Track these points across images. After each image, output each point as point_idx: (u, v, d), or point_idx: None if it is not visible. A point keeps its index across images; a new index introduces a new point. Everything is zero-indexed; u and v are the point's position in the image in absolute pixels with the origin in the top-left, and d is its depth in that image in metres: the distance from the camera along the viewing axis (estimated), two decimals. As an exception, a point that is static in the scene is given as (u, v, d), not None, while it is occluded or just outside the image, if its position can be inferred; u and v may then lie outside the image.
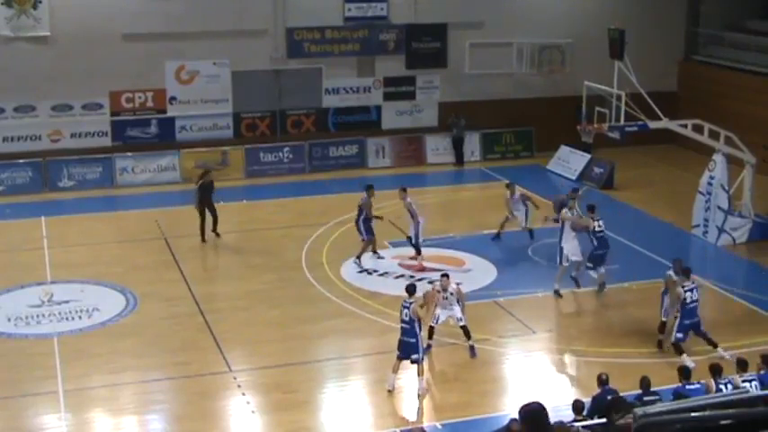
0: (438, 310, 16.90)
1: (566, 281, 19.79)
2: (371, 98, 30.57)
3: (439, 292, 16.89)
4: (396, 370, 15.71)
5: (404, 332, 15.61)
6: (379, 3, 29.98)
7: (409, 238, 21.39)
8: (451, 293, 16.94)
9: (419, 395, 15.56)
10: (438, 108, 31.10)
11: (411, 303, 15.60)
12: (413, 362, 15.56)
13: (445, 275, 17.27)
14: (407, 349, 15.56)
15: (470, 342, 17.09)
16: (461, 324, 16.97)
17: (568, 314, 19.39)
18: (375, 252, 21.66)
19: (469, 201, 27.45)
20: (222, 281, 20.93)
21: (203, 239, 22.90)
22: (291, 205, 26.12)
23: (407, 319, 15.51)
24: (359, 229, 21.34)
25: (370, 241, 21.34)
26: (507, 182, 23.57)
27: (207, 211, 22.90)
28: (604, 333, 18.24)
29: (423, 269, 21.00)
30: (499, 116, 30.92)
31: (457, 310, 16.93)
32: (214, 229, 23.10)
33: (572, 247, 19.51)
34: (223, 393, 15.89)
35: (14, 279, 20.55)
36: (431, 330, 16.95)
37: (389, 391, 15.69)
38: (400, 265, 21.32)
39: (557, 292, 19.65)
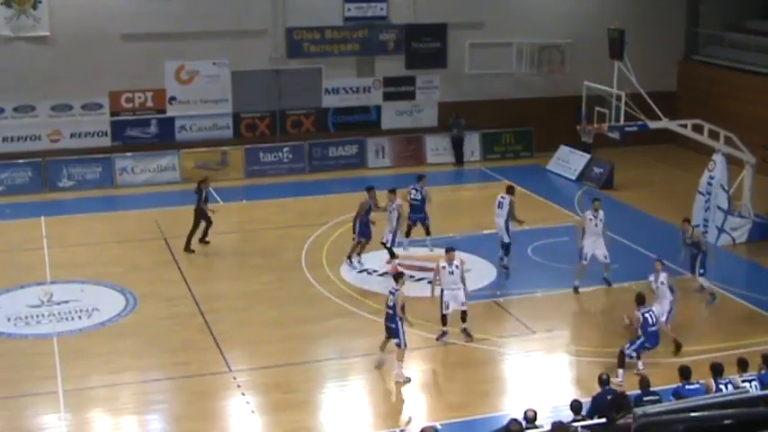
0: (446, 296, 17.26)
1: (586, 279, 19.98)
2: (371, 98, 30.57)
3: (444, 268, 17.25)
4: (383, 348, 16.36)
5: (386, 317, 16.21)
6: (379, 3, 29.98)
7: (385, 244, 21.23)
8: (456, 267, 17.28)
9: (396, 381, 15.99)
10: (438, 108, 31.10)
11: (397, 290, 16.08)
12: (396, 345, 16.08)
13: (451, 249, 17.72)
14: (389, 333, 16.22)
15: (464, 325, 17.49)
16: (463, 308, 17.36)
17: (568, 314, 19.39)
18: (354, 256, 21.22)
19: (469, 201, 27.45)
20: (222, 281, 20.93)
21: (204, 242, 22.66)
22: (291, 205, 26.11)
23: (391, 304, 16.07)
24: (354, 229, 21.23)
25: (359, 243, 21.17)
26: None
27: (203, 219, 22.47)
28: (604, 333, 18.23)
29: (397, 271, 20.78)
30: (499, 116, 30.92)
31: (461, 294, 17.27)
32: (201, 238, 22.58)
33: (588, 245, 19.74)
34: (223, 393, 15.89)
35: (14, 279, 20.54)
36: (444, 318, 17.35)
37: (377, 368, 16.34)
38: (400, 265, 21.30)
39: (575, 288, 19.91)
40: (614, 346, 17.39)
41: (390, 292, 16.28)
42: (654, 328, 16.17)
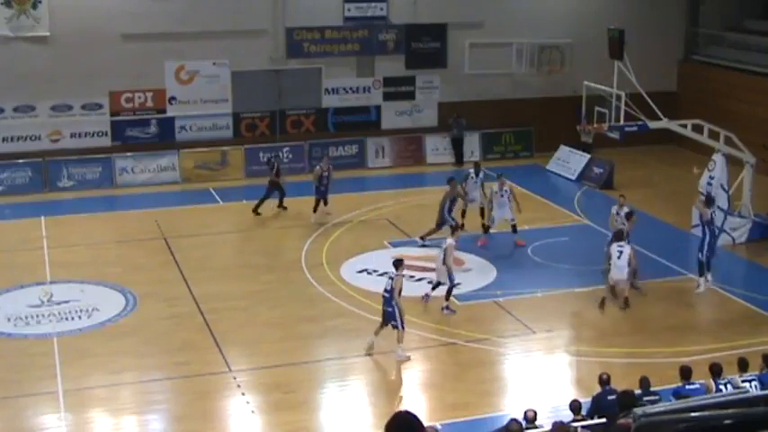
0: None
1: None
2: (371, 98, 30.56)
3: (453, 245, 18.90)
4: (377, 333, 16.89)
5: (384, 301, 16.84)
6: (379, 3, 29.98)
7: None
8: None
9: (397, 360, 16.56)
10: (438, 108, 31.10)
11: (396, 275, 16.86)
12: (393, 327, 16.66)
13: (458, 227, 20.15)
14: (387, 317, 16.75)
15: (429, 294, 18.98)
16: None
17: (568, 314, 19.38)
18: (423, 238, 22.43)
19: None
20: (222, 281, 20.90)
21: (282, 208, 25.21)
22: (291, 205, 26.06)
23: (389, 288, 16.69)
24: (443, 217, 22.32)
25: (457, 226, 21.80)
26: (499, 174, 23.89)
27: (277, 190, 24.91)
28: (604, 333, 18.25)
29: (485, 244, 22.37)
30: (499, 116, 30.90)
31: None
32: (280, 204, 25.08)
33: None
34: (223, 393, 15.89)
35: (14, 279, 20.54)
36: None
37: (367, 351, 16.86)
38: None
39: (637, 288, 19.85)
40: (614, 346, 17.45)
41: (390, 277, 16.91)
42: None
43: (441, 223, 22.24)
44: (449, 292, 18.85)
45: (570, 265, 21.10)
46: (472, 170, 23.82)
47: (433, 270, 20.61)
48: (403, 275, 17.22)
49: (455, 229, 20.25)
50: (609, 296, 19.09)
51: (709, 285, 19.56)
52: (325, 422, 15.12)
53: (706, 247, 19.46)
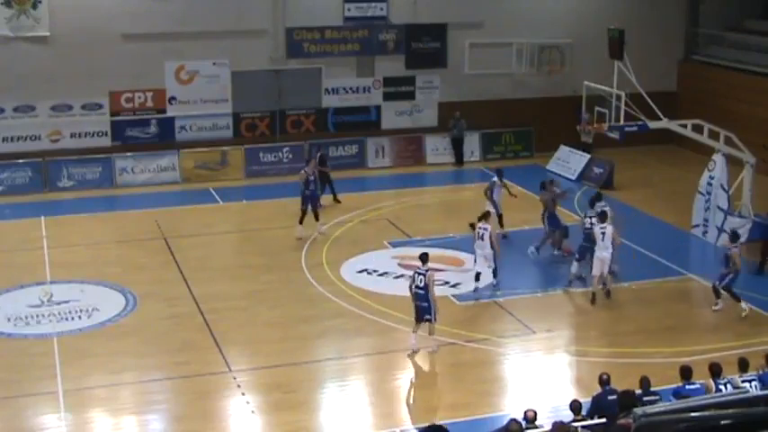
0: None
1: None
2: (371, 98, 30.56)
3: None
4: (415, 331, 16.92)
5: (417, 297, 16.80)
6: (379, 3, 29.98)
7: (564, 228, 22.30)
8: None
9: (430, 352, 16.88)
10: (438, 108, 31.10)
11: (427, 271, 16.78)
12: (427, 320, 16.81)
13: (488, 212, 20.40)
14: (421, 312, 16.78)
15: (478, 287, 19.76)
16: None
17: (568, 314, 19.39)
18: (555, 249, 22.00)
19: (469, 201, 27.32)
20: (222, 281, 20.90)
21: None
22: (291, 205, 26.05)
23: (422, 285, 16.69)
24: (544, 223, 21.99)
25: (552, 234, 21.84)
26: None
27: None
28: (604, 333, 18.25)
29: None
30: (499, 116, 30.91)
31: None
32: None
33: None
34: (223, 393, 15.89)
35: (14, 279, 20.54)
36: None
37: (410, 354, 16.85)
38: (400, 264, 21.31)
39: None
40: (614, 345, 17.45)
41: (420, 273, 16.80)
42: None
43: (558, 227, 21.86)
44: (495, 273, 19.89)
45: (570, 265, 21.06)
46: (496, 177, 23.21)
47: (442, 271, 20.63)
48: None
49: (487, 215, 20.43)
50: (598, 290, 19.36)
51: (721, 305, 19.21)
52: (325, 422, 15.12)
53: (726, 281, 19.06)
